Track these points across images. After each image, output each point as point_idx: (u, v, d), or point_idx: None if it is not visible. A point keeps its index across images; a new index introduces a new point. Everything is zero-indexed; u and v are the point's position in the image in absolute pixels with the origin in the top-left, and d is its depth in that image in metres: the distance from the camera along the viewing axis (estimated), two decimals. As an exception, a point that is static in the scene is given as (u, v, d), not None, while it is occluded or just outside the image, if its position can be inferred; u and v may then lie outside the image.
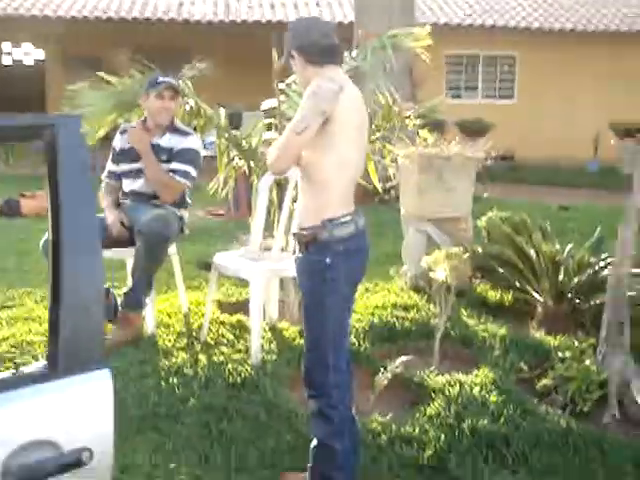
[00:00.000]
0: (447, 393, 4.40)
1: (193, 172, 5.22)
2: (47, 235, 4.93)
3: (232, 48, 17.47)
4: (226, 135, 5.63)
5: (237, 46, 17.46)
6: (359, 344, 5.11)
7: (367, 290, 6.43)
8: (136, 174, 5.24)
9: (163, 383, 4.47)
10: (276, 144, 3.36)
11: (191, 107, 5.69)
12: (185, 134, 5.27)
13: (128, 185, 5.30)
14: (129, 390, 4.35)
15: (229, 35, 18.12)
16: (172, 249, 5.32)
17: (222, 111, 5.81)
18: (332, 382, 3.38)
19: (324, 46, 3.40)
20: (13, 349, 4.96)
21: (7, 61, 23.48)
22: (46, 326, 5.40)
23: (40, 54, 22.14)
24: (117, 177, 5.38)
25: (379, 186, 5.94)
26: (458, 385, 4.49)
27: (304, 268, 3.41)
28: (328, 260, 3.27)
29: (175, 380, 4.50)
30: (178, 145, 5.20)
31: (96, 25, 18.01)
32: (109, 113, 5.61)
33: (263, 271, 4.98)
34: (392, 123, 5.68)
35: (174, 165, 5.17)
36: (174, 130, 5.26)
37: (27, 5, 18.37)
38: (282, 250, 5.19)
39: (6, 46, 23.14)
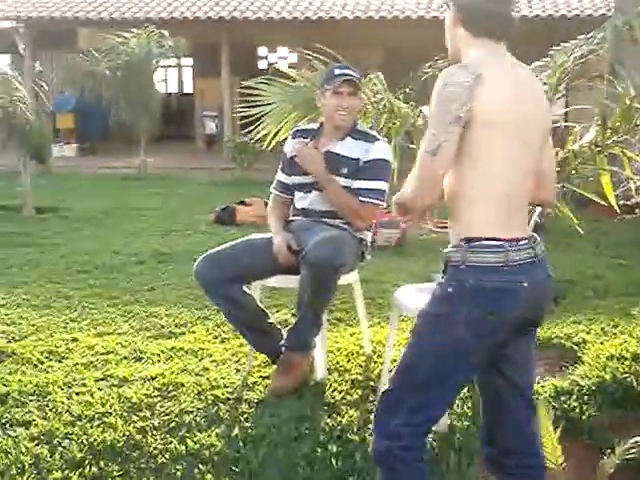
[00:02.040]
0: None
1: (385, 187, 4.25)
2: (202, 257, 4.21)
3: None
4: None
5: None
6: (581, 409, 3.95)
7: (603, 332, 5.16)
8: (308, 188, 4.33)
9: (319, 450, 3.55)
10: (412, 174, 2.45)
11: (384, 105, 4.74)
12: (371, 139, 4.28)
13: (299, 200, 4.39)
14: (275, 456, 3.49)
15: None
16: (352, 276, 4.41)
17: (425, 109, 4.82)
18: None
19: (489, 12, 2.43)
20: (156, 392, 4.22)
21: (262, 65, 23.70)
22: (206, 363, 4.66)
23: (294, 58, 22.11)
24: (287, 189, 4.48)
25: (614, 203, 4.63)
26: None
27: (433, 293, 2.54)
28: (450, 289, 2.40)
29: (334, 448, 3.56)
30: (364, 156, 4.23)
31: (343, 25, 17.51)
32: (289, 113, 4.80)
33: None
34: (634, 123, 4.40)
35: (362, 183, 4.21)
36: (357, 134, 4.29)
37: (277, 9, 18.22)
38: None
39: (262, 50, 23.38)
